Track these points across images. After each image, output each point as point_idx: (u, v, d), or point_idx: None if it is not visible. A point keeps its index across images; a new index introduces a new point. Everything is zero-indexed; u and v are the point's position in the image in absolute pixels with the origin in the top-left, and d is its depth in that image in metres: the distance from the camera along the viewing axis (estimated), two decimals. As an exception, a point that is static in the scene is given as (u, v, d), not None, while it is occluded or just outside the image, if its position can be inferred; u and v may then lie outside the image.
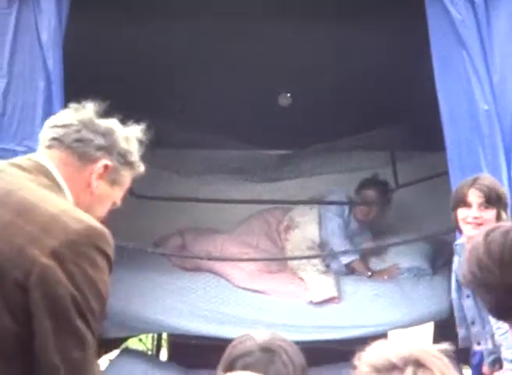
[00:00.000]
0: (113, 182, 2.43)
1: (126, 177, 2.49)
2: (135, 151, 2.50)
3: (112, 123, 2.50)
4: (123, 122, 6.89)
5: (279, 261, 5.91)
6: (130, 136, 2.50)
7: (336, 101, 5.97)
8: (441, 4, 4.26)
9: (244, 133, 6.24)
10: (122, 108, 6.45)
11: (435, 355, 1.73)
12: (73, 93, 4.40)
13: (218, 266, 5.71)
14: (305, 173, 6.62)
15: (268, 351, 2.33)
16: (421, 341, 1.88)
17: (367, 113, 5.90)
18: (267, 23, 5.25)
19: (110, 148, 2.40)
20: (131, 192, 6.27)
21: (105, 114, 6.84)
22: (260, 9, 5.07)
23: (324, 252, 5.97)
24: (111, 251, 2.17)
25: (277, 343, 2.36)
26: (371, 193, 6.11)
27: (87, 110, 2.48)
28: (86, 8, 4.46)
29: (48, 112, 4.39)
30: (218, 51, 5.56)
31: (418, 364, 1.68)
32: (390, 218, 6.46)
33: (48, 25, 4.43)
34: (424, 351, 1.73)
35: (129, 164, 2.48)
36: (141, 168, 2.55)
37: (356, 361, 1.74)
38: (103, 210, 2.48)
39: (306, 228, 6.05)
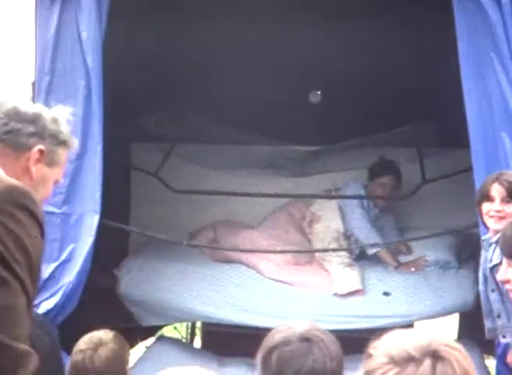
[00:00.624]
0: (51, 163, 2.55)
1: (63, 156, 2.61)
2: (65, 130, 2.61)
3: (38, 108, 2.59)
4: (160, 118, 7.03)
5: (306, 253, 6.02)
6: (57, 117, 2.60)
7: (365, 99, 6.06)
8: (470, 3, 4.31)
9: (276, 130, 6.38)
10: (159, 105, 6.68)
11: (455, 346, 1.69)
12: (113, 90, 4.63)
13: (247, 257, 5.85)
14: (334, 168, 6.74)
15: (307, 340, 2.39)
16: (440, 332, 1.86)
17: (394, 110, 5.98)
18: (298, 22, 5.35)
19: (41, 132, 2.51)
20: (167, 186, 6.53)
21: (143, 112, 7.00)
22: (291, 8, 5.17)
23: (349, 244, 6.07)
24: (36, 209, 2.18)
25: (315, 333, 2.42)
26: (386, 178, 6.21)
27: (10, 101, 2.54)
28: (124, 7, 4.60)
29: (89, 108, 4.56)
30: (251, 49, 5.67)
31: (437, 356, 1.64)
32: (416, 211, 6.58)
33: (88, 24, 4.52)
34: (443, 342, 1.68)
35: (63, 143, 2.60)
36: (75, 143, 2.66)
37: (371, 350, 1.71)
38: (46, 191, 2.59)
39: (328, 220, 6.16)
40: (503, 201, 3.91)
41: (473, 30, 4.31)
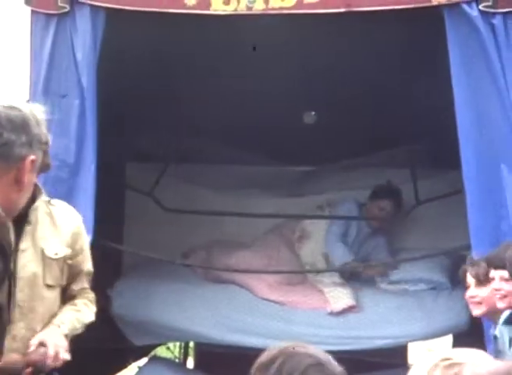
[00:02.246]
0: (36, 167, 2.47)
1: (41, 154, 2.51)
2: (44, 129, 2.55)
3: (21, 110, 2.45)
4: (154, 138, 7.01)
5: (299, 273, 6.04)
6: (38, 117, 2.52)
7: (359, 120, 6.08)
8: (459, 27, 4.33)
9: (270, 150, 6.40)
10: (154, 126, 6.68)
11: None
12: (107, 110, 4.64)
13: (240, 277, 5.85)
14: (328, 188, 6.76)
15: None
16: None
17: (388, 131, 5.99)
18: (291, 42, 5.36)
19: (30, 141, 2.40)
20: (160, 205, 6.53)
21: (136, 133, 6.98)
22: (287, 31, 5.19)
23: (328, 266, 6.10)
24: None
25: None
26: (386, 202, 6.25)
27: None
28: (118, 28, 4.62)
29: (83, 128, 4.57)
30: (246, 70, 5.69)
31: None
32: (409, 232, 6.60)
33: (83, 44, 4.55)
34: None
35: (45, 144, 2.57)
36: (49, 139, 2.64)
37: None
38: (29, 195, 2.56)
39: (316, 239, 6.20)
40: (477, 285, 3.88)
41: (465, 51, 4.33)
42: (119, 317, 5.73)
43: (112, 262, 6.18)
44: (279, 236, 6.34)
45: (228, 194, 6.74)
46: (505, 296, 3.75)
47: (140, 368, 6.06)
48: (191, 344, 7.15)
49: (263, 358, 2.32)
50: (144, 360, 6.40)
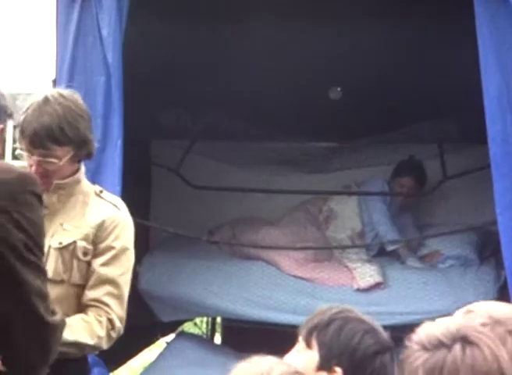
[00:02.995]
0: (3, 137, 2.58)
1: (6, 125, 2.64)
2: (9, 102, 2.63)
3: None
4: (180, 115, 7.04)
5: (326, 250, 6.04)
6: (1, 91, 2.62)
7: (385, 95, 6.04)
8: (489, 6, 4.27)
9: (296, 126, 6.38)
10: (180, 102, 6.70)
11: (484, 331, 1.72)
12: (133, 87, 4.65)
13: (267, 254, 5.86)
14: (354, 165, 6.74)
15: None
16: (469, 319, 1.92)
17: (415, 106, 5.96)
18: (317, 19, 5.34)
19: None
20: (187, 182, 6.55)
21: (163, 110, 7.03)
22: (310, 6, 5.17)
23: (364, 242, 6.09)
24: (40, 191, 2.28)
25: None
26: (407, 179, 6.22)
27: None
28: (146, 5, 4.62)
29: (109, 104, 4.58)
30: (269, 45, 5.67)
31: (467, 341, 1.67)
32: (436, 208, 6.57)
33: (109, 21, 4.54)
34: (473, 327, 1.72)
35: (10, 116, 2.63)
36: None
37: (407, 342, 1.75)
38: None
39: (345, 218, 6.19)
40: None
41: (495, 25, 4.28)
42: (147, 293, 5.77)
43: (139, 238, 6.19)
44: (305, 213, 6.33)
45: (253, 171, 6.74)
46: None
47: (168, 343, 6.10)
48: (218, 320, 7.18)
49: (318, 319, 2.38)
50: (172, 336, 6.44)
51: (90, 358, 3.84)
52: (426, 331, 1.73)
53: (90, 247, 3.06)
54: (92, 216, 3.11)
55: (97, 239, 3.07)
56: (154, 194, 6.88)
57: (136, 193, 5.78)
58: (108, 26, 4.56)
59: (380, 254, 6.16)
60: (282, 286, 5.70)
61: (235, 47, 5.77)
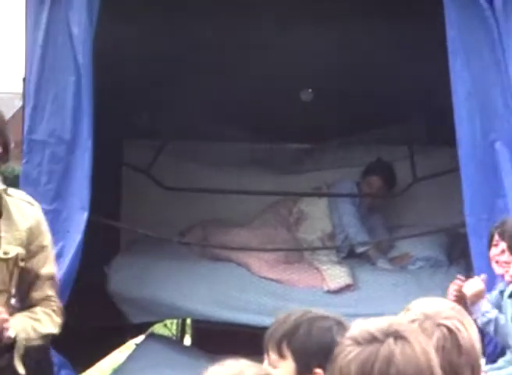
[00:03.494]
0: None
1: None
2: None
3: None
4: (153, 115, 7.07)
5: (296, 252, 6.04)
6: None
7: (356, 97, 6.06)
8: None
9: (268, 128, 6.38)
10: (151, 102, 6.67)
11: (413, 327, 1.84)
12: (103, 84, 4.62)
13: (237, 255, 5.85)
14: (325, 166, 6.75)
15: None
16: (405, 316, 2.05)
17: (386, 108, 5.99)
18: (290, 21, 5.35)
19: None
20: (158, 183, 6.53)
21: (135, 110, 7.04)
22: (284, 8, 5.17)
23: (334, 244, 6.11)
24: None
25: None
26: (374, 178, 6.26)
27: None
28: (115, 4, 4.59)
29: (78, 104, 4.55)
30: (243, 47, 5.67)
31: (398, 336, 1.73)
32: (406, 209, 6.59)
33: (79, 20, 4.49)
34: (403, 323, 1.80)
35: None
36: None
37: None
38: None
39: (315, 219, 6.21)
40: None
41: (464, 27, 4.30)
42: (117, 294, 5.73)
43: (109, 239, 6.18)
44: (275, 215, 6.33)
45: (225, 172, 6.73)
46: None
47: (137, 345, 6.07)
48: (188, 321, 7.17)
49: (283, 327, 2.36)
50: (142, 337, 6.41)
51: (56, 360, 3.83)
52: (359, 327, 1.77)
53: (24, 251, 3.04)
54: (20, 219, 3.06)
55: (28, 242, 3.06)
56: (125, 195, 6.84)
57: (107, 194, 5.76)
58: (79, 25, 4.51)
59: (350, 256, 6.17)
60: (252, 287, 5.69)
61: (207, 48, 5.76)
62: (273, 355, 2.37)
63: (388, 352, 1.69)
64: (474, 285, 4.02)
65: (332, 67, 5.82)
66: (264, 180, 6.75)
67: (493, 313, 3.97)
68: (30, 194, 4.46)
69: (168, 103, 6.37)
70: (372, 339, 1.73)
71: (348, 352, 1.73)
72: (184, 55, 5.78)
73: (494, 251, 4.00)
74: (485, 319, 3.97)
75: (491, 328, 3.99)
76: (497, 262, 4.01)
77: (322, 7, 4.96)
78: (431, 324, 2.05)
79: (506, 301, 3.90)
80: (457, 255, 5.94)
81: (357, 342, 1.73)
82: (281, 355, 2.36)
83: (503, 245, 3.93)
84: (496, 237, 3.97)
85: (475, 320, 3.93)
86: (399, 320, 1.82)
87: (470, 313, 3.67)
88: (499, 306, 4.03)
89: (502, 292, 4.06)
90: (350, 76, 5.88)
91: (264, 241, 5.99)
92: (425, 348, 1.74)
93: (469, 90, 4.28)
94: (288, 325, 2.38)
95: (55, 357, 4.13)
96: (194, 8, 5.26)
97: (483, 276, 4.12)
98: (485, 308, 3.99)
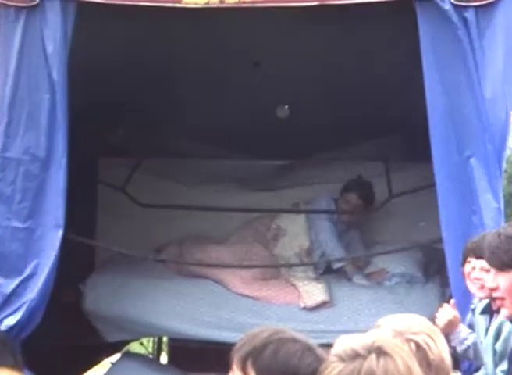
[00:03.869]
0: None
1: None
2: None
3: None
4: (128, 133, 7.04)
5: (273, 268, 6.03)
6: None
7: (333, 114, 6.07)
8: (432, 20, 4.32)
9: (244, 145, 6.38)
10: (125, 120, 6.65)
11: (397, 344, 1.81)
12: (78, 101, 4.61)
13: (214, 272, 5.83)
14: (301, 183, 6.76)
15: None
16: (383, 332, 2.03)
17: (363, 124, 6.00)
18: (267, 37, 5.35)
19: None
20: (134, 201, 6.51)
21: (110, 128, 7.01)
22: (261, 23, 5.17)
23: (311, 260, 6.12)
24: None
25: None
26: (352, 195, 6.28)
27: None
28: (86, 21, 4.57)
29: (53, 121, 4.53)
30: (220, 64, 5.67)
31: (381, 352, 1.73)
32: (382, 225, 6.61)
33: (54, 38, 4.49)
34: (388, 340, 1.80)
35: None
36: None
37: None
38: None
39: (293, 235, 6.21)
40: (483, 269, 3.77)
41: (437, 45, 4.33)
42: (92, 313, 5.69)
43: (84, 257, 6.14)
44: (253, 232, 6.33)
45: (201, 189, 6.72)
46: (483, 286, 3.76)
47: (113, 364, 6.02)
48: (164, 339, 7.13)
49: (251, 344, 2.31)
50: (117, 356, 6.36)
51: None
52: (343, 344, 1.78)
53: None
54: None
55: None
56: (101, 212, 6.81)
57: (82, 212, 5.73)
58: (53, 42, 4.50)
59: (327, 272, 6.17)
60: (229, 304, 5.67)
61: (182, 65, 5.75)
62: (237, 372, 2.34)
63: (369, 368, 1.70)
64: (445, 315, 3.97)
65: (307, 84, 5.83)
66: (240, 196, 6.75)
67: (471, 339, 3.94)
68: (4, 213, 4.49)
69: (143, 121, 6.35)
70: (355, 355, 1.73)
71: (332, 369, 1.74)
72: (159, 72, 5.77)
73: (467, 268, 3.97)
74: (464, 347, 3.94)
75: (470, 354, 3.95)
76: (470, 279, 3.98)
77: (296, 22, 4.96)
78: (401, 340, 2.04)
79: (478, 318, 3.88)
80: (433, 271, 5.96)
81: (340, 359, 1.74)
82: (244, 373, 2.32)
83: (474, 263, 3.89)
84: (468, 254, 3.92)
85: (454, 348, 3.92)
86: (383, 336, 1.83)
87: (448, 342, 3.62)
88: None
89: (473, 310, 4.03)
90: (326, 94, 5.90)
91: (241, 257, 5.99)
92: (408, 363, 1.74)
93: (444, 106, 4.30)
94: (256, 343, 2.34)
95: (29, 376, 4.10)
96: (169, 26, 5.25)
97: (452, 301, 4.11)
98: (463, 335, 3.96)
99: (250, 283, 5.80)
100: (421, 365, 1.97)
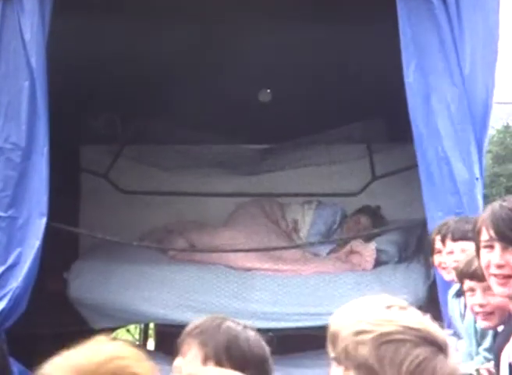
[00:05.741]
0: None
1: None
2: None
3: None
4: (110, 120, 6.98)
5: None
6: None
7: (315, 97, 6.08)
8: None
9: (226, 129, 6.38)
10: (107, 106, 6.62)
11: None
12: (57, 90, 4.58)
13: (227, 256, 5.86)
14: (285, 166, 6.78)
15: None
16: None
17: (345, 107, 6.00)
18: (249, 21, 5.33)
19: None
20: (116, 187, 6.48)
21: (91, 113, 6.95)
22: (243, 8, 5.16)
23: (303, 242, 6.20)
24: None
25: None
26: (365, 219, 6.38)
27: None
28: (71, 7, 4.54)
29: (33, 110, 4.50)
30: (201, 48, 5.65)
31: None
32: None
33: (31, 25, 4.46)
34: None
35: None
36: None
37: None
38: None
39: (309, 226, 6.42)
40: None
41: (416, 25, 4.33)
42: (77, 300, 5.68)
43: (68, 244, 6.12)
44: (259, 213, 6.45)
45: (183, 175, 6.71)
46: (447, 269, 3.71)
47: (99, 351, 6.01)
48: (151, 325, 7.12)
49: (218, 336, 2.34)
50: (104, 343, 6.35)
51: (16, 368, 3.78)
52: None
53: None
54: None
55: None
56: (84, 200, 6.79)
57: (65, 200, 5.70)
58: (31, 30, 4.47)
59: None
60: (215, 290, 5.67)
61: (163, 50, 5.73)
62: (210, 363, 2.35)
63: None
64: None
65: (289, 67, 5.83)
66: (223, 181, 6.75)
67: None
68: (-15, 201, 4.47)
69: (125, 106, 6.33)
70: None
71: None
72: (140, 56, 5.75)
73: (438, 258, 3.88)
74: None
75: None
76: (443, 268, 3.88)
77: (282, 8, 4.95)
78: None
79: (452, 302, 3.82)
80: (411, 251, 5.99)
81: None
82: (220, 365, 2.34)
83: (449, 247, 3.77)
84: (439, 242, 3.81)
85: None
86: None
87: None
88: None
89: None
90: (308, 77, 5.89)
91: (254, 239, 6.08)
92: None
93: (424, 89, 4.31)
94: (222, 337, 2.38)
95: (14, 365, 4.09)
96: (149, 12, 5.23)
97: None
98: None
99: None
100: None
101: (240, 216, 6.38)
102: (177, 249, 6.01)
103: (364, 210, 6.44)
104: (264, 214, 6.40)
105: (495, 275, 2.58)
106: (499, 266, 2.54)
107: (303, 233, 6.43)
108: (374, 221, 6.38)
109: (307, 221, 6.42)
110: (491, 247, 2.56)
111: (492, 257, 2.55)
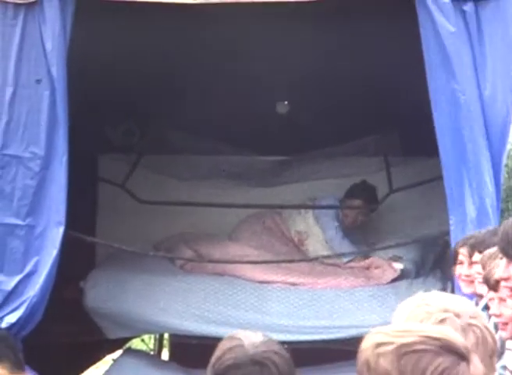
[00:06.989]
0: None
1: None
2: None
3: None
4: (128, 130, 7.01)
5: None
6: None
7: (332, 109, 6.08)
8: (431, 14, 4.32)
9: (243, 140, 6.40)
10: (125, 116, 6.64)
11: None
12: (77, 98, 4.60)
13: (238, 269, 5.85)
14: (301, 178, 6.77)
15: (258, 363, 2.30)
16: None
17: (363, 120, 6.00)
18: (266, 32, 5.34)
19: None
20: (134, 197, 6.51)
21: (109, 122, 6.97)
22: (259, 19, 5.16)
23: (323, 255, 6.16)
24: None
25: (267, 355, 2.32)
26: (357, 201, 6.28)
27: None
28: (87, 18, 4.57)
29: (53, 119, 4.52)
30: (219, 59, 5.67)
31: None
32: (383, 222, 6.61)
33: (52, 34, 4.48)
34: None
35: None
36: None
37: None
38: None
39: (314, 236, 6.28)
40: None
41: (436, 42, 4.32)
42: (93, 310, 5.68)
43: (84, 254, 6.14)
44: (262, 227, 6.37)
45: (200, 185, 6.72)
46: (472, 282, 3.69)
47: (114, 360, 6.02)
48: (166, 335, 7.12)
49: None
50: (119, 353, 6.36)
51: (32, 377, 3.78)
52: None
53: None
54: None
55: None
56: (101, 209, 6.82)
57: (82, 209, 5.72)
58: (52, 38, 4.49)
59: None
60: (231, 301, 5.66)
61: (182, 60, 5.75)
62: None
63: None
64: None
65: (307, 80, 5.83)
66: (240, 192, 6.76)
67: None
68: (4, 210, 4.49)
69: (143, 117, 6.35)
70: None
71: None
72: (159, 69, 5.77)
73: (460, 269, 3.85)
74: None
75: None
76: (463, 280, 3.85)
77: (297, 20, 4.95)
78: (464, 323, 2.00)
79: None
80: (430, 266, 5.96)
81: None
82: None
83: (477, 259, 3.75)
84: (464, 253, 3.79)
85: None
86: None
87: None
88: None
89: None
90: (325, 89, 5.89)
91: (263, 253, 6.05)
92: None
93: (450, 104, 4.30)
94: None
95: (31, 374, 4.09)
96: (168, 22, 5.24)
97: None
98: None
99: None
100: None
101: (244, 232, 6.37)
102: (195, 260, 6.00)
103: (352, 193, 6.31)
104: (267, 230, 6.38)
105: (505, 287, 2.62)
106: (504, 279, 2.58)
107: (311, 244, 6.35)
108: (367, 201, 6.30)
109: (315, 231, 6.35)
110: None
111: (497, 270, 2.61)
